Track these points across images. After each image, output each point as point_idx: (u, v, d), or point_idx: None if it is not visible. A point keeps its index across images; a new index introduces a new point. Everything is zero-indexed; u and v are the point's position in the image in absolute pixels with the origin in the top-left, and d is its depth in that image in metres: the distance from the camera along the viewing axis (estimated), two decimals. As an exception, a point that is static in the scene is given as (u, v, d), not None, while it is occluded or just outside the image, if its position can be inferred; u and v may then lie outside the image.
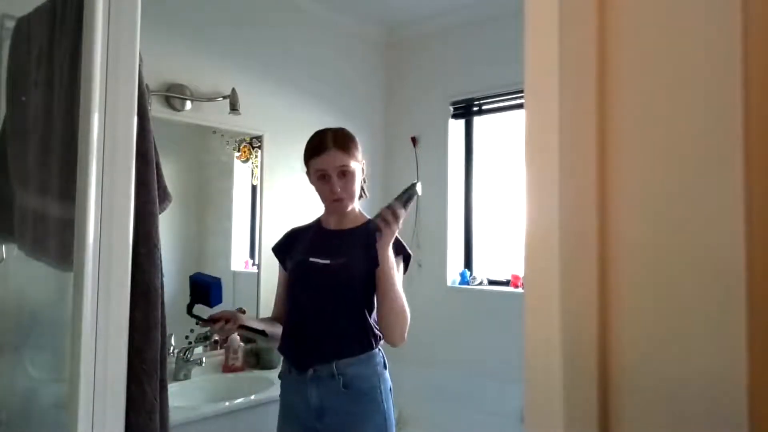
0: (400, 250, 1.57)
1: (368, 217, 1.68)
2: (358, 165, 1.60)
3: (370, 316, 1.56)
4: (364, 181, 1.71)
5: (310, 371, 1.52)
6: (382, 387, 1.55)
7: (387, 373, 1.59)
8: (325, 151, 1.56)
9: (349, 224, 1.65)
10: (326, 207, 1.65)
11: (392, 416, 1.56)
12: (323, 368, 1.51)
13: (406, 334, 1.52)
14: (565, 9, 0.46)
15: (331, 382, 1.51)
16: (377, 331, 1.56)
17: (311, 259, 1.60)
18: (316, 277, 1.58)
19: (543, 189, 0.47)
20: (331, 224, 1.68)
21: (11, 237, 1.35)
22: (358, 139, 1.67)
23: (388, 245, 1.47)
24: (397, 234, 1.51)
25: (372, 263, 1.50)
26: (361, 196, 1.70)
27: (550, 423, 0.46)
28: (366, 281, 1.53)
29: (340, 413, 1.51)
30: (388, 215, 1.45)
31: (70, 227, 1.02)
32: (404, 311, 1.50)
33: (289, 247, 1.72)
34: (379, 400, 1.53)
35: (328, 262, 1.57)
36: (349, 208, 1.62)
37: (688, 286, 0.40)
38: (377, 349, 1.57)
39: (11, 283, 1.63)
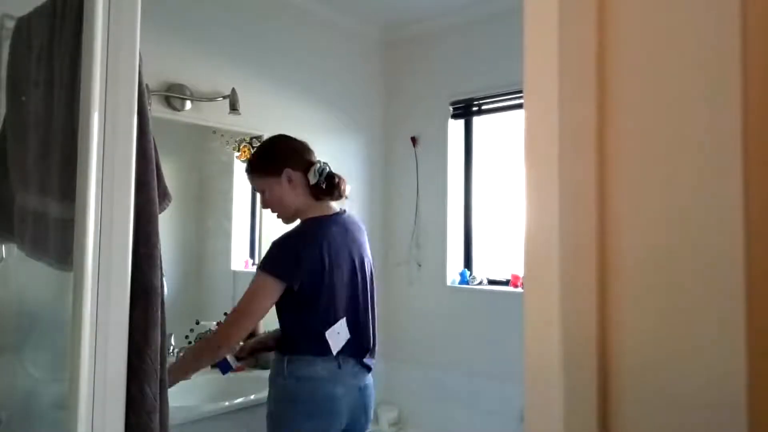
0: (261, 262, 1.60)
1: (311, 216, 1.65)
2: (270, 179, 1.63)
3: (284, 322, 1.63)
4: (316, 180, 1.64)
5: None
6: (272, 391, 1.65)
7: (288, 382, 1.59)
8: (247, 175, 1.71)
9: None
10: None
11: (285, 423, 1.59)
12: None
13: (218, 348, 1.59)
14: (564, 8, 0.46)
15: None
16: (289, 337, 1.63)
17: None
18: None
19: (543, 190, 0.47)
20: None
21: (11, 237, 1.35)
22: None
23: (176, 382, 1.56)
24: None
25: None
26: (328, 195, 1.67)
27: (550, 423, 0.46)
28: None
29: None
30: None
31: (70, 227, 1.01)
32: (204, 358, 1.63)
33: None
34: (268, 399, 1.66)
35: None
36: (288, 219, 1.69)
37: (688, 286, 0.40)
38: (282, 355, 1.62)
39: (11, 283, 1.63)
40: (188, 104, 2.49)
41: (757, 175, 0.38)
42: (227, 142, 2.69)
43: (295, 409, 1.57)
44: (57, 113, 1.12)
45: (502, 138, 3.19)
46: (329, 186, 1.67)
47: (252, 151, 2.76)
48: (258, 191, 1.71)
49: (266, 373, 2.45)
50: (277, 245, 1.58)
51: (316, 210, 1.66)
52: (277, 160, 1.64)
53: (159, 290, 1.10)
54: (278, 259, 1.55)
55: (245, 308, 1.56)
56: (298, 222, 1.69)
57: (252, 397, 2.18)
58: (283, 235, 1.62)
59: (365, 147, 3.33)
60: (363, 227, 1.79)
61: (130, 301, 1.03)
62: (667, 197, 0.42)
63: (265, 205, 1.70)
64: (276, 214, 1.69)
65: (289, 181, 1.63)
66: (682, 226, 0.41)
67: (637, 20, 0.43)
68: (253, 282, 1.56)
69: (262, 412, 2.16)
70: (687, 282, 0.40)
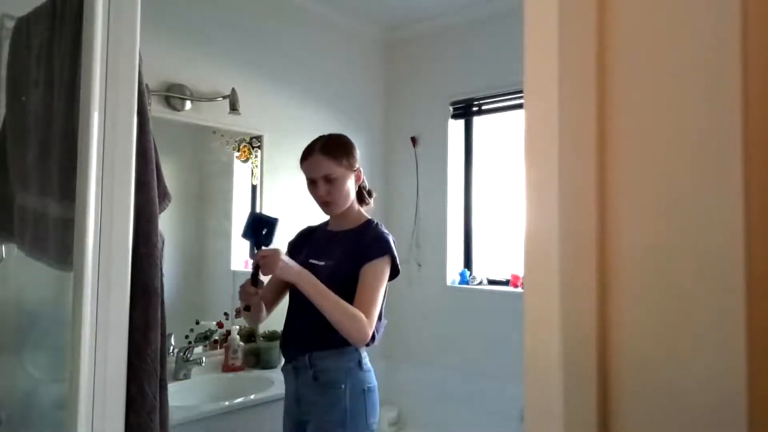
0: (384, 251, 1.60)
1: (368, 217, 1.73)
2: (346, 171, 1.64)
3: None
4: (365, 188, 1.77)
5: (293, 362, 1.64)
6: (349, 384, 1.58)
7: (364, 374, 1.62)
8: (310, 156, 1.64)
9: (348, 226, 1.71)
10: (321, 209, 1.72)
11: (360, 416, 1.59)
12: (301, 359, 1.61)
13: (359, 335, 1.50)
14: (564, 8, 0.46)
15: (306, 373, 1.61)
16: None
17: (310, 261, 1.68)
18: None
19: (543, 190, 0.47)
20: (333, 226, 1.76)
21: (11, 237, 1.35)
22: (356, 144, 1.72)
23: (288, 276, 1.51)
24: (391, 240, 1.62)
25: (353, 264, 1.58)
26: (364, 202, 1.77)
27: (550, 423, 0.46)
28: (347, 281, 1.57)
29: (311, 402, 1.61)
30: (255, 264, 1.54)
31: (70, 227, 1.01)
32: (341, 321, 1.50)
33: (299, 246, 1.80)
34: (341, 395, 1.57)
35: (323, 263, 1.65)
36: (339, 212, 1.68)
37: (688, 286, 0.40)
38: (354, 348, 1.59)
39: (11, 283, 1.63)
40: (188, 104, 2.49)
41: (757, 175, 0.38)
42: (227, 142, 2.69)
43: (375, 398, 1.64)
44: (57, 113, 1.12)
45: (502, 138, 3.19)
46: (369, 195, 1.80)
47: (250, 149, 2.76)
48: (322, 177, 1.62)
49: (267, 373, 2.47)
50: (387, 234, 1.64)
51: (364, 213, 1.75)
52: (355, 156, 1.70)
53: (159, 290, 1.10)
54: (393, 248, 1.63)
55: (379, 302, 1.57)
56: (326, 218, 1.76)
57: (252, 397, 2.19)
58: (378, 228, 1.66)
59: (365, 147, 3.33)
60: None
61: (130, 301, 1.03)
62: (667, 197, 0.42)
63: (324, 192, 1.63)
64: (328, 203, 1.65)
65: (357, 179, 1.71)
66: (682, 226, 0.41)
67: (637, 20, 0.43)
68: (379, 271, 1.58)
69: (262, 412, 2.17)
70: (687, 282, 0.40)
